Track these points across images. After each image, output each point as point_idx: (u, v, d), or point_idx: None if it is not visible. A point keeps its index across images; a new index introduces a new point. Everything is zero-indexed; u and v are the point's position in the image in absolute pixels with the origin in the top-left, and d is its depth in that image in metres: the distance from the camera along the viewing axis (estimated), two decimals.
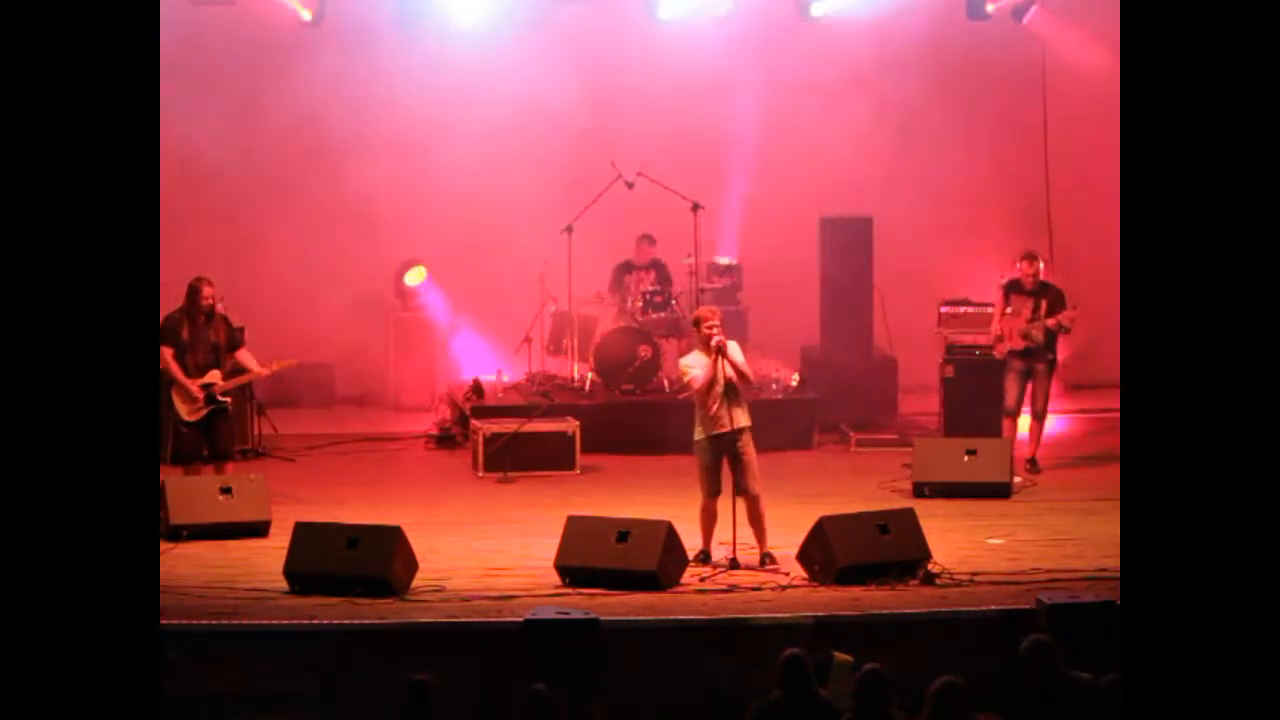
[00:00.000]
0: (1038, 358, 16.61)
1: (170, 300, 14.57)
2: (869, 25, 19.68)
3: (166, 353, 14.79)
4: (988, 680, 10.54)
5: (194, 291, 15.00)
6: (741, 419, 13.45)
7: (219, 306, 15.42)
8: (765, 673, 10.22)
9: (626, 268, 18.90)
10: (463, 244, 19.45)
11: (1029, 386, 16.63)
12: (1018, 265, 16.73)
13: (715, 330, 13.48)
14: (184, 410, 14.95)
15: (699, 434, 13.56)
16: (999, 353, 16.77)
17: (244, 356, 15.29)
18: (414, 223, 19.49)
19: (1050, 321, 16.48)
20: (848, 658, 10.90)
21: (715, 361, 13.40)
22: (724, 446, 13.43)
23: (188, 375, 14.93)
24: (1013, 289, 16.73)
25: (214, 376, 15.00)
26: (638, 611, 12.36)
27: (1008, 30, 19.88)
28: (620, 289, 18.79)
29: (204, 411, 14.98)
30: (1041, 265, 16.94)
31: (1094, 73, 18.58)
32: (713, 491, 13.51)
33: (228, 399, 15.16)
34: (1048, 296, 16.63)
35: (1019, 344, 16.58)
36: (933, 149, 19.70)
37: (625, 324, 18.40)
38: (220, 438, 15.11)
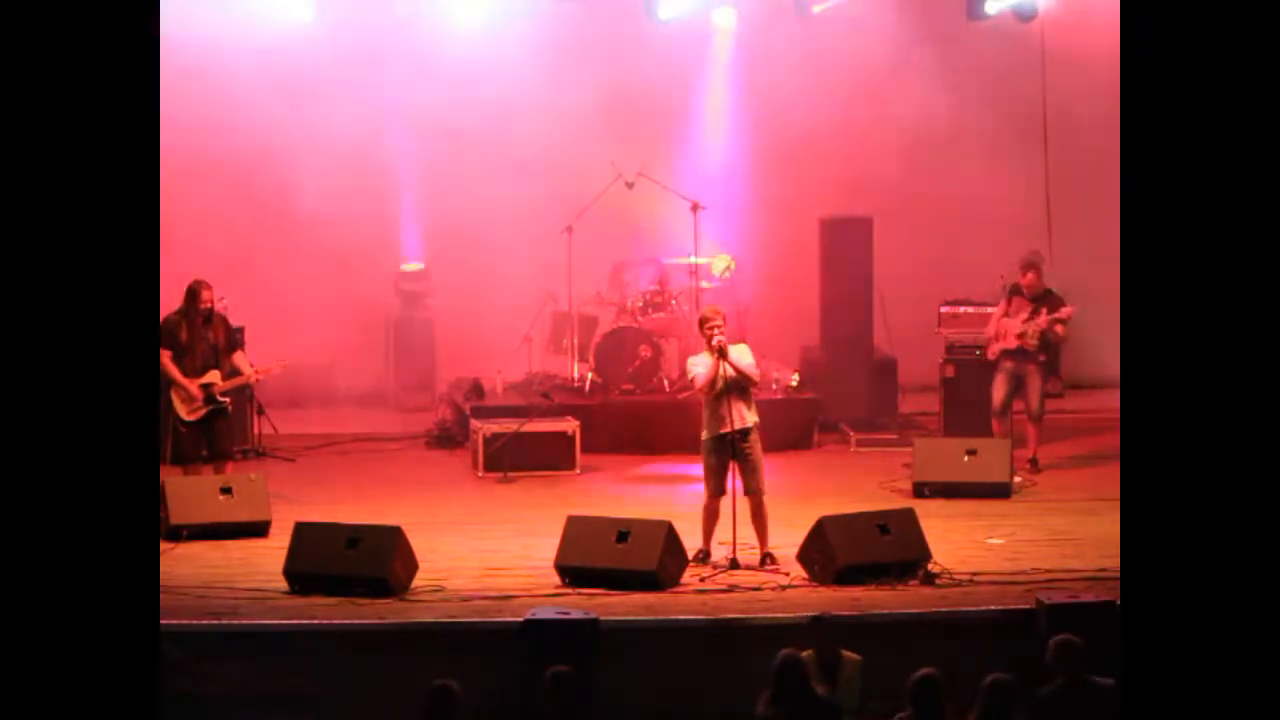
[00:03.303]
0: (1029, 359, 16.65)
1: (171, 300, 14.58)
2: (869, 25, 19.68)
3: (164, 355, 14.79)
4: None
5: (192, 294, 15.00)
6: (746, 419, 13.46)
7: (219, 306, 15.41)
8: (765, 673, 10.22)
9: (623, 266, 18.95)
10: (462, 243, 19.46)
11: (1020, 389, 16.68)
12: (1021, 276, 16.79)
13: (717, 331, 13.49)
14: (183, 410, 14.95)
15: (705, 434, 13.58)
16: (991, 353, 16.84)
17: (238, 360, 15.27)
18: (414, 222, 19.50)
19: (1043, 321, 16.54)
20: (856, 656, 10.92)
21: (716, 362, 13.42)
22: (728, 446, 13.43)
23: (186, 377, 14.93)
24: (1015, 293, 16.81)
25: (213, 377, 15.00)
26: (638, 611, 12.36)
27: (1008, 30, 19.87)
28: (619, 285, 18.81)
29: (203, 411, 14.98)
30: (1042, 270, 17.06)
31: (1094, 72, 18.57)
32: (716, 491, 13.51)
33: (227, 399, 15.16)
34: (1047, 303, 16.71)
35: (1012, 343, 16.64)
36: (932, 149, 19.71)
37: (625, 324, 18.41)
38: (219, 438, 15.12)
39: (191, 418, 14.97)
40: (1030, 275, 16.80)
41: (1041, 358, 16.74)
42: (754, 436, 13.52)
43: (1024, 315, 16.63)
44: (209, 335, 15.07)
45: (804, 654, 10.35)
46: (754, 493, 13.46)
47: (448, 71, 19.41)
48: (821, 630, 11.04)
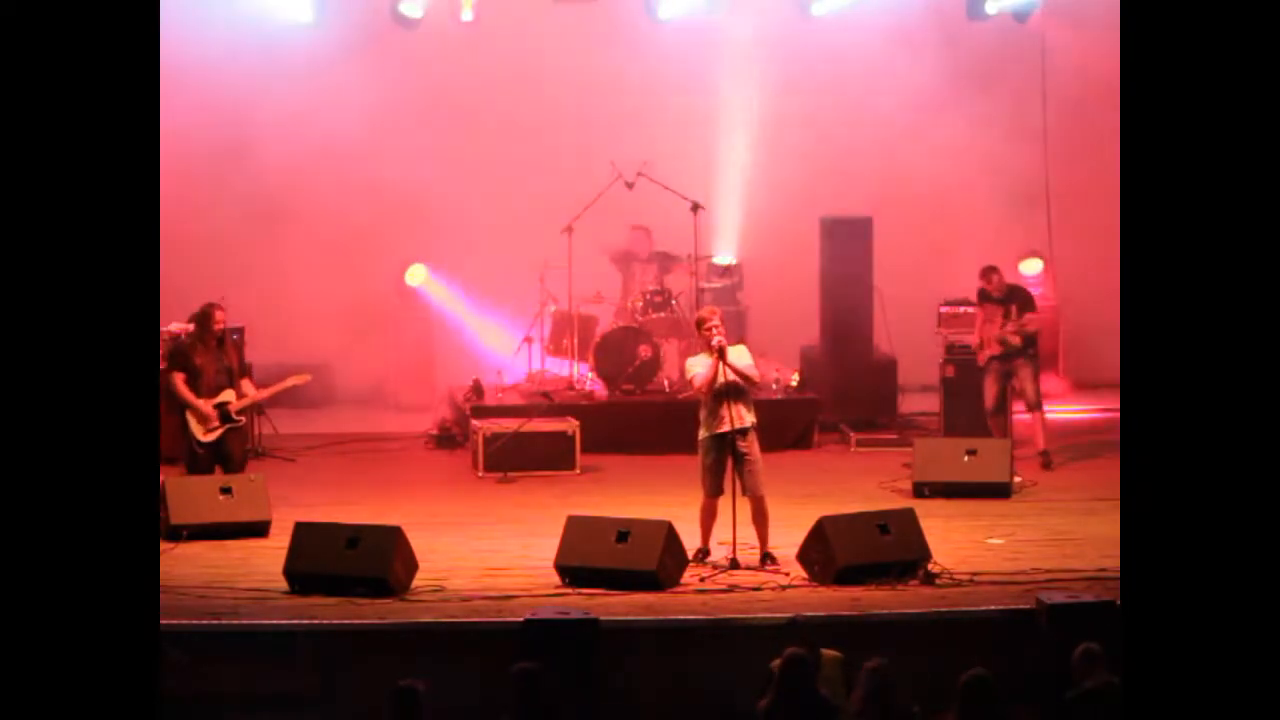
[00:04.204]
0: (1016, 355, 16.75)
1: (170, 300, 14.55)
2: (869, 25, 19.68)
3: (178, 378, 14.81)
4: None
5: (205, 317, 14.99)
6: (745, 419, 13.45)
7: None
8: (765, 673, 10.22)
9: (630, 257, 18.97)
10: (462, 244, 19.46)
11: (1012, 385, 16.80)
12: (983, 280, 16.90)
13: (716, 331, 13.50)
14: (199, 431, 14.92)
15: (701, 433, 13.58)
16: (981, 360, 16.95)
17: (245, 385, 15.21)
18: (414, 222, 19.50)
19: (1011, 327, 16.64)
20: (836, 653, 10.88)
21: (715, 363, 13.42)
22: (725, 446, 13.43)
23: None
24: (984, 298, 17.00)
25: (227, 396, 14.97)
26: (638, 611, 12.35)
27: (1008, 30, 19.89)
28: (627, 267, 18.84)
29: (219, 432, 14.95)
30: (1035, 266, 17.13)
31: (1094, 72, 18.57)
32: (713, 491, 13.51)
33: (242, 418, 15.15)
34: (1016, 300, 16.86)
35: (997, 349, 16.79)
36: (932, 149, 19.70)
37: (625, 324, 18.41)
38: (235, 457, 15.07)
39: (207, 439, 14.95)
40: (983, 280, 16.98)
41: (1030, 350, 16.85)
42: (752, 436, 13.51)
43: (998, 320, 16.76)
44: (222, 359, 15.03)
45: None
46: (753, 493, 13.45)
47: (448, 71, 19.42)
48: (797, 634, 10.98)
